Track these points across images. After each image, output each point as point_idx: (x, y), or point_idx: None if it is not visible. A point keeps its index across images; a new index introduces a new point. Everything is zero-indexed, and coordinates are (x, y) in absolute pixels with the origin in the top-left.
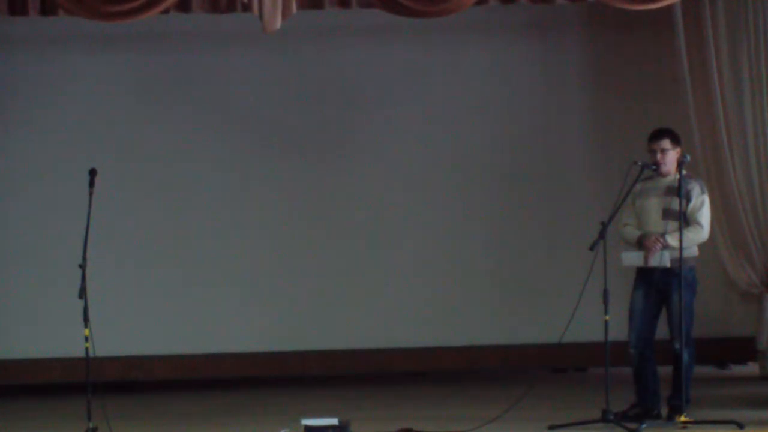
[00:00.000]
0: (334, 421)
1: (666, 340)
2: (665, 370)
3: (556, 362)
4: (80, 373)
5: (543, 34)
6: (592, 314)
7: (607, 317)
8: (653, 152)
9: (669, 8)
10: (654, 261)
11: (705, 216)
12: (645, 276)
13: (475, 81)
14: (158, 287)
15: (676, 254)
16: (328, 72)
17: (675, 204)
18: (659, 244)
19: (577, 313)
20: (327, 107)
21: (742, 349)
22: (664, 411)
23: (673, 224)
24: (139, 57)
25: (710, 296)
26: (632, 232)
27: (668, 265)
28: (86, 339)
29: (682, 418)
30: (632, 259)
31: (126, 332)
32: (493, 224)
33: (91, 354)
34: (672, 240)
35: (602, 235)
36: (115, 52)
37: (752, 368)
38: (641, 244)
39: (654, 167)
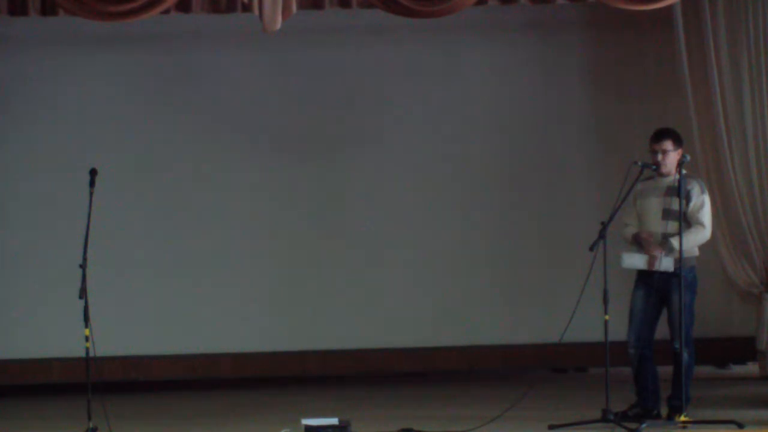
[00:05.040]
0: (334, 421)
1: (666, 340)
2: (665, 370)
3: (556, 362)
4: (80, 373)
5: (543, 34)
6: (592, 314)
7: (607, 317)
8: (654, 153)
9: (669, 8)
10: (659, 266)
11: (706, 215)
12: (645, 276)
13: (475, 81)
14: (158, 287)
15: (676, 255)
16: (328, 72)
17: (675, 204)
18: (659, 251)
19: (577, 313)
20: (327, 107)
21: (742, 349)
22: (664, 411)
23: (673, 224)
24: (139, 57)
25: (710, 296)
26: (632, 232)
27: (672, 269)
28: (86, 339)
29: (682, 418)
30: (633, 261)
31: (126, 332)
32: (493, 224)
33: (91, 354)
34: (677, 243)
35: (602, 235)
36: (115, 52)
37: (752, 368)
38: (637, 241)
39: (654, 168)
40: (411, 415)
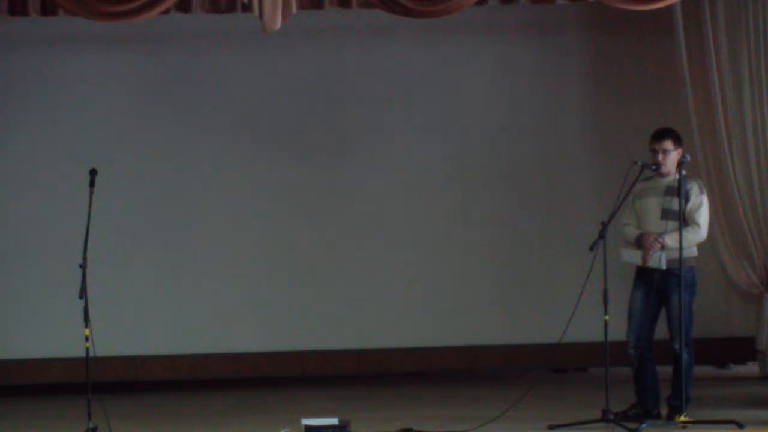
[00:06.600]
0: (334, 421)
1: (666, 340)
2: (665, 370)
3: (556, 362)
4: (80, 373)
5: (543, 34)
6: (592, 314)
7: (607, 317)
8: (655, 152)
9: (669, 8)
10: (652, 262)
11: (703, 216)
12: (645, 276)
13: (475, 81)
14: (158, 287)
15: (675, 255)
16: (327, 72)
17: (674, 204)
18: (657, 244)
19: (577, 313)
20: (327, 107)
21: (742, 349)
22: (664, 411)
23: (672, 224)
24: (139, 57)
25: (710, 296)
26: (632, 232)
27: (664, 267)
28: (86, 339)
29: (682, 418)
30: (631, 256)
31: (126, 332)
32: (493, 224)
33: (91, 354)
34: (670, 240)
35: (602, 235)
36: (115, 52)
37: (752, 368)
38: (640, 243)
39: (654, 167)
40: (411, 415)
